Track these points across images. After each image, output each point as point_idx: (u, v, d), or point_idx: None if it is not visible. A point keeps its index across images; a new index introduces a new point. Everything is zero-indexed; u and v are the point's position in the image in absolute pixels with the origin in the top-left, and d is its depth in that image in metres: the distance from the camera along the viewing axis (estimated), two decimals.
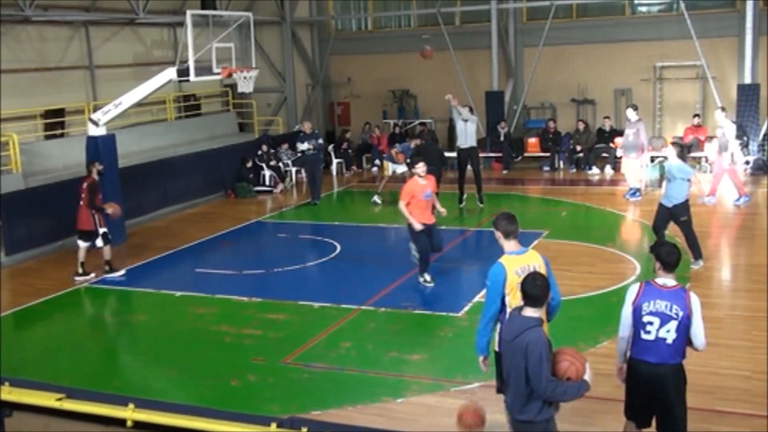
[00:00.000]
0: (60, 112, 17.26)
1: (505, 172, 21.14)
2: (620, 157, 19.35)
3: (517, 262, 6.20)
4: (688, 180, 11.28)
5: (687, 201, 11.41)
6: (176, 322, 10.97)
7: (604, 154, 20.44)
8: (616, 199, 17.15)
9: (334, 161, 22.20)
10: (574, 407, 7.34)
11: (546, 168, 20.99)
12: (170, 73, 14.84)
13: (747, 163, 18.91)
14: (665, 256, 5.73)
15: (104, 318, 11.78)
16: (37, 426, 4.68)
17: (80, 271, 12.76)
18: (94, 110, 15.95)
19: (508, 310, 6.06)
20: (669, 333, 5.60)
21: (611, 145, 20.23)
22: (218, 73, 15.51)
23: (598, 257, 12.61)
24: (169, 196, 17.71)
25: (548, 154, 21.19)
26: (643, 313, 5.70)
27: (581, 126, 20.98)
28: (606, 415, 7.39)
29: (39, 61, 16.91)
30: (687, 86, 21.34)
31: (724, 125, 16.36)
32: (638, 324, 5.74)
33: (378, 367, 8.80)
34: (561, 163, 21.12)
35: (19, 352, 9.66)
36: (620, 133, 20.10)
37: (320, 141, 18.21)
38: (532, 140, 21.85)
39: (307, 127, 18.40)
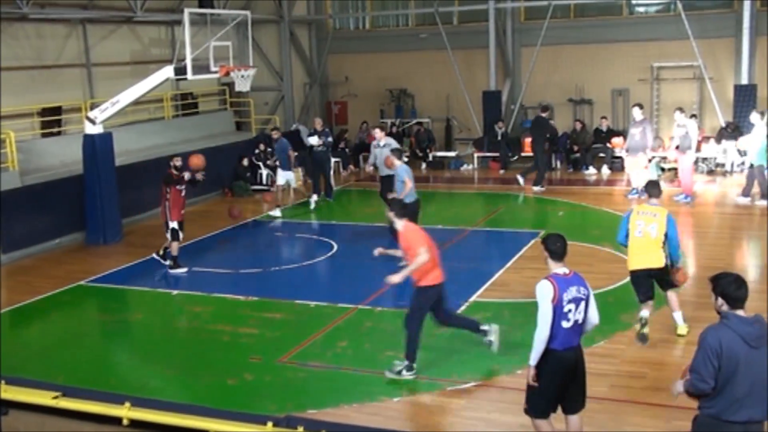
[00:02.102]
0: (57, 110, 17.22)
1: (502, 171, 21.15)
2: (618, 158, 19.40)
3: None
4: (402, 181, 12.37)
5: (413, 202, 12.21)
6: (173, 320, 10.98)
7: (601, 154, 20.44)
8: (613, 198, 17.16)
9: (332, 160, 22.17)
10: None
11: None
12: (168, 72, 14.83)
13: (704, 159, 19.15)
14: (551, 244, 6.19)
15: (101, 316, 11.76)
16: (33, 424, 4.68)
17: (161, 253, 13.04)
18: (91, 108, 15.94)
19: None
20: (581, 314, 6.14)
21: (608, 145, 20.24)
22: (216, 72, 15.49)
23: (595, 257, 12.61)
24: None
25: None
26: (564, 303, 6.04)
27: (578, 126, 20.99)
28: (602, 414, 7.42)
29: (36, 59, 16.88)
30: (684, 86, 21.35)
31: (687, 124, 16.41)
32: (560, 316, 6.03)
33: (374, 366, 8.80)
34: (558, 162, 21.13)
35: (16, 350, 9.63)
36: (617, 133, 20.15)
37: (330, 139, 18.26)
38: (529, 140, 21.78)
39: (318, 123, 18.46)
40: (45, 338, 10.49)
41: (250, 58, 17.55)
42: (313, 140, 17.95)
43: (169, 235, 12.76)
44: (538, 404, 6.27)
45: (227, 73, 15.73)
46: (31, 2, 15.42)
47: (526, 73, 22.27)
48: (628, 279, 11.11)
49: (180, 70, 14.82)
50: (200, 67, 15.12)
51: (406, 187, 12.21)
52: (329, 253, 13.64)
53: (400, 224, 8.33)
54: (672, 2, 20.86)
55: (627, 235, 9.13)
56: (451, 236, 14.46)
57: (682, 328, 9.19)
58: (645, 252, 8.98)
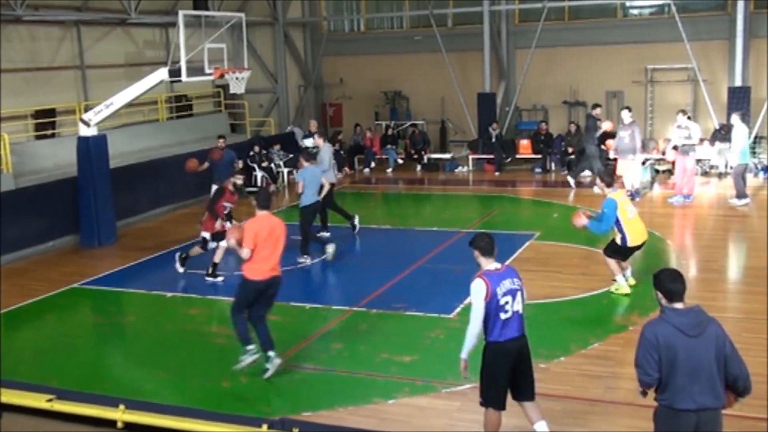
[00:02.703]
0: (51, 112, 17.20)
1: (497, 174, 21.18)
2: (613, 159, 19.43)
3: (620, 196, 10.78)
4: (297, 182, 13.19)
5: (312, 204, 13.17)
6: (167, 323, 10.95)
7: None
8: None
9: None
10: (566, 409, 7.39)
11: (537, 170, 21.02)
12: (162, 74, 14.81)
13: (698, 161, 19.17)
14: (479, 242, 6.54)
15: (95, 319, 11.72)
16: (27, 427, 4.68)
17: (210, 271, 12.43)
18: (86, 110, 15.91)
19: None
20: (518, 304, 6.42)
21: (603, 147, 20.25)
22: (210, 74, 15.48)
23: (589, 259, 12.63)
24: (160, 196, 17.65)
25: (540, 156, 21.23)
26: (499, 297, 6.30)
27: (573, 128, 21.00)
28: (597, 416, 7.43)
29: (30, 61, 16.85)
30: (678, 89, 21.42)
31: (690, 126, 16.49)
32: (496, 309, 6.29)
33: (369, 368, 8.80)
34: (552, 164, 21.15)
35: (10, 353, 9.59)
36: (612, 135, 20.17)
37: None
38: (524, 142, 21.89)
39: (312, 125, 18.54)
40: (39, 341, 10.45)
41: (245, 60, 17.54)
42: (308, 142, 17.98)
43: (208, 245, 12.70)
44: (491, 396, 6.53)
45: (222, 75, 15.71)
46: (25, 4, 15.39)
47: (521, 76, 22.31)
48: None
49: (174, 72, 14.80)
50: (195, 69, 15.10)
51: (298, 187, 13.08)
52: (324, 256, 13.62)
53: (259, 212, 9.08)
54: (666, 5, 20.92)
55: (616, 222, 10.50)
56: (446, 238, 14.46)
57: (631, 280, 10.86)
58: (640, 228, 10.70)
